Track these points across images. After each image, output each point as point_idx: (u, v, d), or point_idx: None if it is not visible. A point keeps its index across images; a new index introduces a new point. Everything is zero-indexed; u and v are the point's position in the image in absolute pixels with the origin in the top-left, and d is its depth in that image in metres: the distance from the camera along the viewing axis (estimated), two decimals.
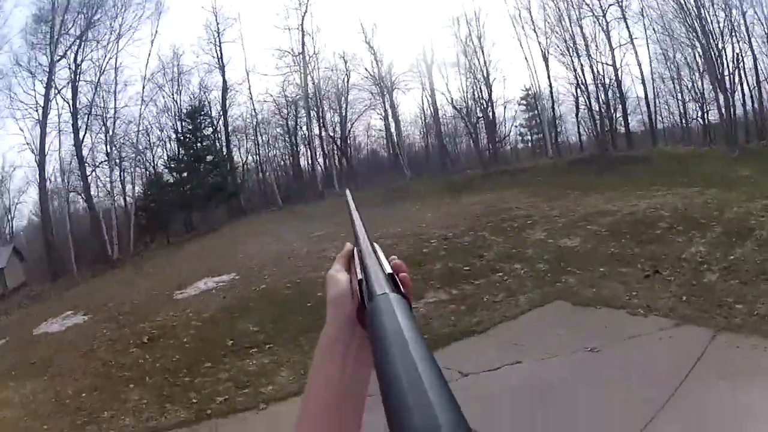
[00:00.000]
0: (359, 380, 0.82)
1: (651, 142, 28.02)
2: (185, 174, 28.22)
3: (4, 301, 22.06)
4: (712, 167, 19.54)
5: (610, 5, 28.50)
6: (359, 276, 0.79)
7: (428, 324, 8.98)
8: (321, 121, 30.93)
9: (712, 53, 26.07)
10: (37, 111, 26.04)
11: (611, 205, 15.14)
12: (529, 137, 33.30)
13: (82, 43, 26.80)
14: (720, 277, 9.49)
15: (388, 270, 0.77)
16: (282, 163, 33.04)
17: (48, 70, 26.04)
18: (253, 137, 31.27)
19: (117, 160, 27.67)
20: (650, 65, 29.20)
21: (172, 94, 29.25)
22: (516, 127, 32.79)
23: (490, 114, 30.98)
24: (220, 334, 10.16)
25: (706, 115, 28.40)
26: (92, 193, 27.42)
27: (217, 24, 29.93)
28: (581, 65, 29.11)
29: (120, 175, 27.94)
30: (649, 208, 14.30)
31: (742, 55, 26.50)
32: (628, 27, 28.66)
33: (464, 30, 30.58)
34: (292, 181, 32.06)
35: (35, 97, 26.06)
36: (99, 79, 27.12)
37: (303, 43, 29.87)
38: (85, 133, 27.04)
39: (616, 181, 18.45)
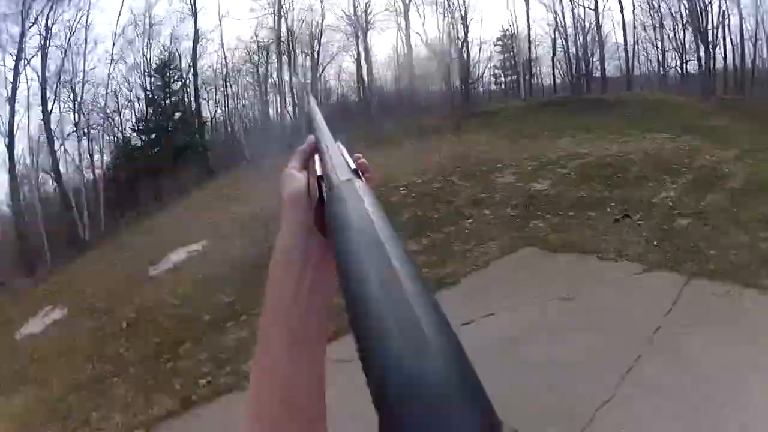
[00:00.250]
0: (319, 294, 0.78)
1: (626, 86, 28.84)
2: (153, 136, 27.66)
3: None
4: (686, 115, 20.20)
5: None
6: (319, 171, 0.75)
7: None
8: (292, 66, 30.61)
9: (698, 5, 26.88)
10: (6, 88, 25.03)
11: (582, 148, 15.62)
12: (503, 79, 33.65)
13: (54, 4, 25.75)
14: (691, 223, 10.05)
15: (353, 165, 0.73)
16: (250, 114, 32.60)
17: (19, 40, 24.89)
18: (222, 88, 30.55)
19: (85, 129, 26.50)
20: (633, 12, 29.87)
21: (142, 49, 28.09)
22: (490, 68, 33.02)
23: (465, 55, 31.22)
24: (196, 310, 10.28)
25: (685, 65, 29.27)
26: (62, 170, 26.37)
27: None
28: (562, 7, 29.46)
29: (89, 146, 26.77)
30: (620, 152, 14.81)
31: (728, 12, 27.48)
32: None
33: None
34: (261, 133, 30.98)
35: (4, 73, 25.02)
36: (69, 41, 25.75)
37: None
38: (54, 103, 25.84)
39: (588, 125, 18.94)
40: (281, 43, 29.79)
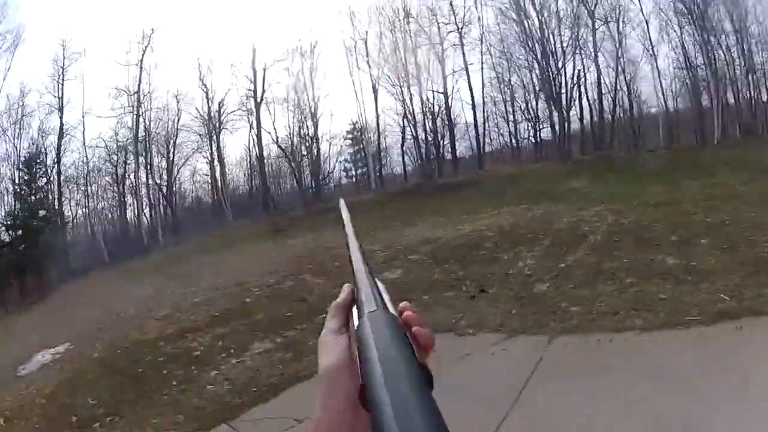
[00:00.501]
0: None
1: (478, 165, 30.44)
2: (20, 232, 27.17)
3: None
4: (542, 183, 21.57)
5: (449, 33, 31.39)
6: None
7: (256, 375, 9.37)
8: (148, 167, 31.46)
9: (550, 73, 29.38)
10: None
11: (435, 232, 16.34)
12: (354, 172, 35.32)
13: None
14: (551, 286, 10.60)
15: (394, 312, 0.71)
16: (110, 216, 33.03)
17: None
18: (83, 188, 30.98)
19: None
20: (482, 90, 32.16)
21: (14, 140, 28.27)
22: (340, 162, 34.74)
23: (315, 151, 32.70)
24: (63, 411, 9.88)
25: (538, 132, 31.51)
26: None
27: (64, 58, 29.23)
28: (411, 95, 31.50)
29: None
30: (474, 230, 15.63)
31: (584, 71, 30.18)
32: (464, 54, 31.55)
33: (297, 64, 32.18)
34: (120, 235, 32.06)
35: None
36: None
37: (140, 81, 30.38)
38: None
39: (441, 209, 19.77)
40: (138, 143, 30.63)
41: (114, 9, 40.09)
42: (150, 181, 31.84)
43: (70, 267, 28.65)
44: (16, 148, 28.65)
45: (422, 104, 31.45)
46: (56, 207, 29.69)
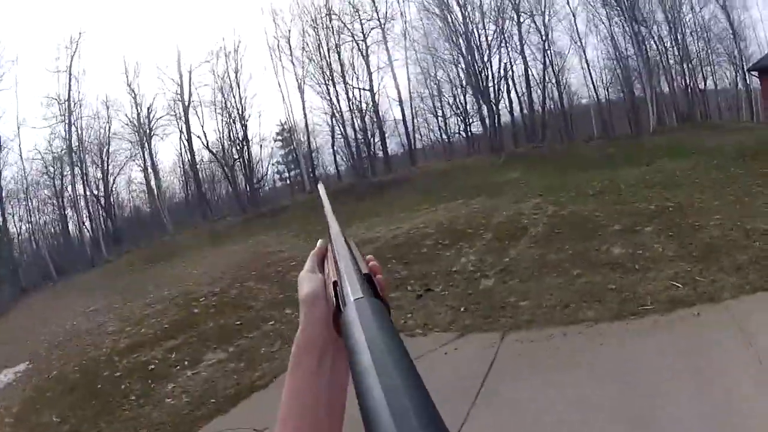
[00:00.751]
0: (336, 387, 0.85)
1: (410, 162, 30.59)
2: None
3: None
4: (477, 177, 21.74)
5: (372, 29, 31.87)
6: (333, 277, 0.80)
7: (212, 387, 9.40)
8: (84, 178, 31.66)
9: (476, 67, 29.74)
10: None
11: (373, 232, 16.38)
12: (287, 174, 35.87)
13: None
14: (497, 281, 10.60)
15: (365, 270, 0.79)
16: (53, 230, 33.49)
17: None
18: (24, 202, 31.44)
19: None
20: (409, 86, 32.48)
21: None
22: (273, 165, 35.26)
23: (246, 154, 32.85)
24: (30, 430, 9.98)
25: (468, 127, 31.93)
26: None
27: None
28: (337, 93, 31.89)
29: None
30: (413, 228, 15.66)
31: (511, 64, 30.64)
32: (388, 50, 32.11)
33: (222, 65, 32.56)
34: (64, 249, 32.48)
35: None
36: None
37: (69, 88, 30.39)
38: None
39: (377, 208, 19.83)
40: (72, 153, 30.80)
41: (43, 15, 39.78)
42: (88, 193, 32.23)
43: (22, 284, 28.91)
44: None
45: (349, 102, 31.87)
46: (0, 224, 30.03)
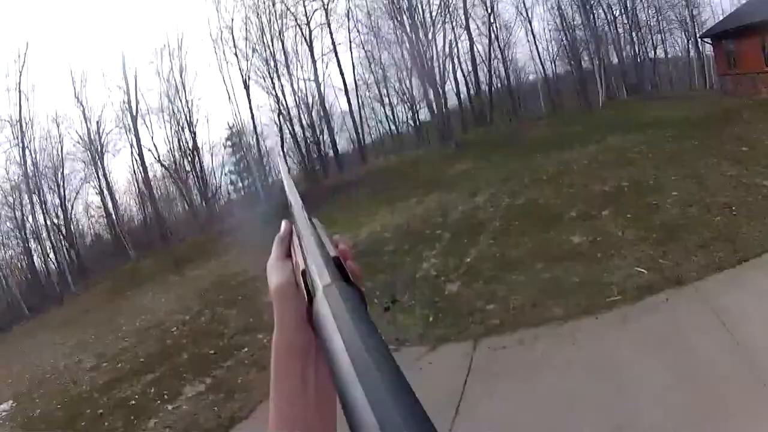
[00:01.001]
0: (326, 390, 0.79)
1: (360, 159, 30.58)
2: None
3: None
4: (429, 171, 21.83)
5: (315, 10, 31.63)
6: (302, 265, 0.76)
7: (194, 420, 9.45)
8: (43, 206, 31.43)
9: (420, 45, 29.56)
10: None
11: None
12: (241, 184, 35.49)
13: None
14: (462, 285, 10.67)
15: (333, 253, 0.74)
16: (19, 265, 33.14)
17: None
18: None
19: None
20: (353, 71, 32.34)
21: None
22: (226, 174, 34.84)
23: (198, 165, 32.77)
24: None
25: (416, 115, 31.90)
26: None
27: None
28: (282, 86, 31.71)
29: None
30: (371, 233, 15.74)
31: (456, 40, 30.63)
32: (331, 33, 32.01)
33: (167, 64, 32.20)
34: (32, 285, 32.20)
35: None
36: None
37: (20, 107, 30.04)
38: None
39: (332, 215, 19.70)
40: (29, 180, 30.56)
41: None
42: (48, 222, 31.91)
43: None
44: None
45: (295, 96, 31.64)
46: None
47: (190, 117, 32.24)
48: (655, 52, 30.51)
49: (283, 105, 31.87)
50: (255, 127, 32.84)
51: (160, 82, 32.18)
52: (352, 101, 32.11)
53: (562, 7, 29.75)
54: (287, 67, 31.48)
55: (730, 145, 13.78)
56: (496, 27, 30.57)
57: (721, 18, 25.97)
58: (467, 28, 30.54)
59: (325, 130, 31.92)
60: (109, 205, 32.92)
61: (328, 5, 31.64)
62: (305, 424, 0.79)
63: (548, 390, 6.47)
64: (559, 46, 31.11)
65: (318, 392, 0.79)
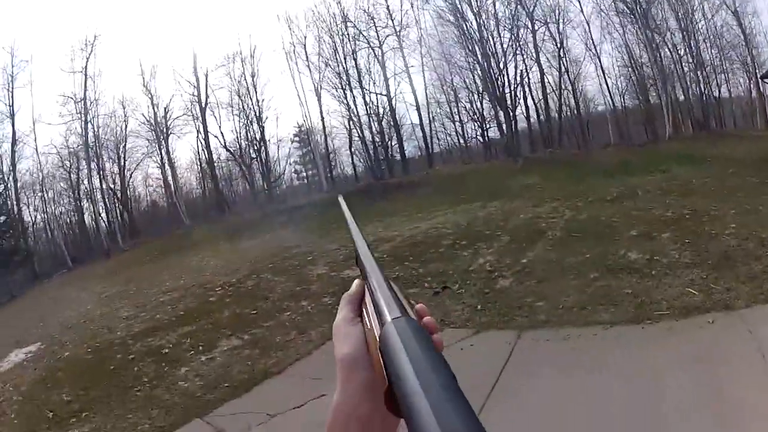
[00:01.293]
0: None
1: (428, 165, 30.72)
2: None
3: None
4: (494, 181, 21.81)
5: (388, 36, 31.98)
6: (376, 331, 0.69)
7: (227, 371, 9.50)
8: (101, 172, 32.01)
9: (492, 73, 29.79)
10: None
11: (390, 231, 16.49)
12: (305, 174, 36.07)
13: None
14: (514, 281, 10.68)
15: (412, 315, 0.68)
16: (68, 220, 33.60)
17: None
18: (40, 194, 31.72)
19: None
20: (425, 91, 32.64)
21: None
22: (290, 164, 35.39)
23: (263, 154, 33.06)
24: (39, 408, 9.98)
25: (485, 132, 31.96)
26: None
27: (12, 66, 29.72)
28: (354, 98, 32.09)
29: None
30: (431, 228, 15.78)
31: (527, 71, 30.73)
32: (404, 57, 32.14)
33: (238, 69, 32.79)
34: (79, 239, 32.83)
35: None
36: None
37: (85, 88, 30.69)
38: None
39: (394, 208, 19.97)
40: (89, 149, 31.23)
41: (58, 16, 40.36)
42: (104, 186, 32.40)
43: (35, 271, 29.38)
44: None
45: (366, 107, 32.04)
46: (15, 213, 30.47)
47: (259, 113, 32.77)
48: (719, 91, 29.93)
49: (353, 113, 32.22)
50: (324, 128, 33.25)
51: (231, 82, 32.82)
52: (422, 116, 32.35)
53: (629, 45, 29.46)
54: (359, 81, 31.88)
55: None
56: (566, 61, 30.42)
57: None
58: (537, 60, 30.51)
59: (394, 137, 32.13)
60: (169, 177, 33.41)
61: (399, 32, 31.91)
62: None
63: (582, 385, 6.47)
64: (628, 82, 30.84)
65: None
